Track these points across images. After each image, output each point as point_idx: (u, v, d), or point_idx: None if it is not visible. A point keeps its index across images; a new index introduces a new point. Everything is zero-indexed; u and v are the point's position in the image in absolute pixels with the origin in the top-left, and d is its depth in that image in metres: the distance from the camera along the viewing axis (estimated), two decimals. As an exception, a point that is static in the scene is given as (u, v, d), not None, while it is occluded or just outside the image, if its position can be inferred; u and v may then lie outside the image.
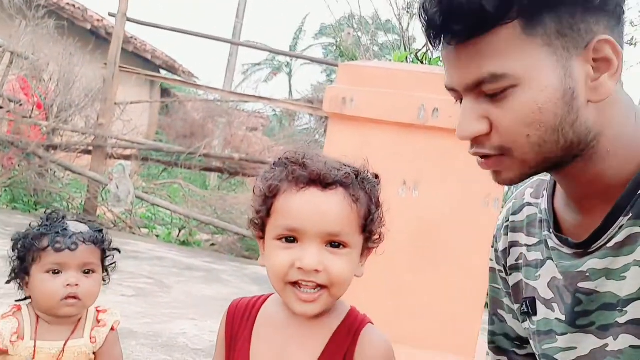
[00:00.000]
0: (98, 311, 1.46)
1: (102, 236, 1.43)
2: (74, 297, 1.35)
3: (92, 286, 1.39)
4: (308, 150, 1.01)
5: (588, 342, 0.95)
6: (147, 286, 4.59)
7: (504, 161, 0.90)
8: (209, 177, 11.46)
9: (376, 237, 1.01)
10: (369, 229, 0.99)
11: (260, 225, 1.02)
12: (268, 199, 0.99)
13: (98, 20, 11.29)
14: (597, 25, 0.85)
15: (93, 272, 1.40)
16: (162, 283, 4.82)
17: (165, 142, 11.33)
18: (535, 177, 1.14)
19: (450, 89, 0.93)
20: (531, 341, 1.09)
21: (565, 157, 0.89)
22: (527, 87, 0.85)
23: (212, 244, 7.60)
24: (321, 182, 0.95)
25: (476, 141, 0.90)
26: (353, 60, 5.21)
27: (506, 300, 1.17)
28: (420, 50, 3.05)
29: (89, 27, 11.05)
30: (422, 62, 2.98)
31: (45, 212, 1.44)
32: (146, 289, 4.48)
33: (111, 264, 1.47)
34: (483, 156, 0.92)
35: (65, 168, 7.90)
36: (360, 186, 0.99)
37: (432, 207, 2.48)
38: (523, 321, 1.11)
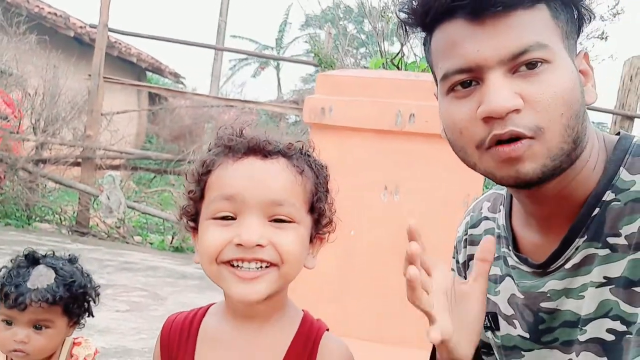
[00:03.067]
0: (74, 343, 1.44)
1: (62, 293, 1.35)
2: (22, 352, 1.33)
3: (43, 342, 1.35)
4: (248, 123, 0.90)
5: (554, 358, 0.98)
6: (141, 299, 4.63)
7: (533, 146, 0.85)
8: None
9: (326, 220, 0.91)
10: (317, 207, 0.88)
11: (193, 213, 0.88)
12: (202, 178, 0.86)
13: (81, 27, 11.23)
14: (576, 44, 0.92)
15: (47, 327, 1.35)
16: (157, 295, 4.85)
17: (155, 147, 11.33)
18: (492, 191, 1.17)
19: (467, 69, 0.87)
20: (496, 354, 1.13)
21: (571, 157, 0.88)
22: (561, 66, 0.86)
23: (206, 249, 7.64)
24: (261, 151, 0.85)
25: (507, 119, 0.85)
26: (332, 67, 5.26)
27: None
28: (396, 56, 3.10)
29: (72, 34, 11.02)
30: (398, 68, 3.03)
31: (23, 253, 1.41)
32: (141, 303, 4.51)
33: (80, 314, 1.42)
34: (510, 140, 0.86)
35: (55, 181, 7.92)
36: (305, 160, 0.90)
37: (413, 210, 2.53)
38: (486, 332, 1.14)
